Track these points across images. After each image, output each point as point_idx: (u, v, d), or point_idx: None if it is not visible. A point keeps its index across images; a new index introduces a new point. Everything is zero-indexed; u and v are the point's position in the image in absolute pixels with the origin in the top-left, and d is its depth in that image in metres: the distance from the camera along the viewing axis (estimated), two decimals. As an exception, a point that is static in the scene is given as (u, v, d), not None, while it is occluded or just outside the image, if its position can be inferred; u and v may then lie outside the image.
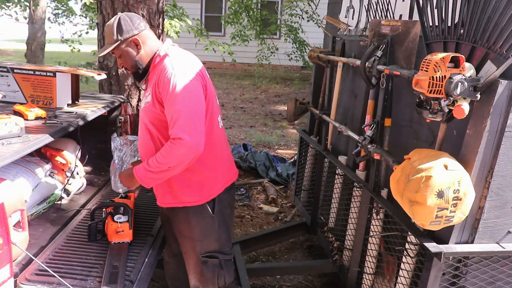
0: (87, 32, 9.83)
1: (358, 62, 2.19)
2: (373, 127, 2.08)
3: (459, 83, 1.42)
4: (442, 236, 1.68)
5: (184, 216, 1.94)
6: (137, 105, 3.34)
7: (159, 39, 3.48)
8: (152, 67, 1.89)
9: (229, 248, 2.04)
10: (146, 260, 1.94)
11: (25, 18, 10.40)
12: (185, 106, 1.70)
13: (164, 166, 1.71)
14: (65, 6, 10.48)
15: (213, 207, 1.93)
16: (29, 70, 2.35)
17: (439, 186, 1.43)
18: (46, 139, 1.88)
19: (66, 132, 2.04)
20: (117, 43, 1.86)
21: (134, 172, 1.80)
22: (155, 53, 1.89)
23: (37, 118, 2.12)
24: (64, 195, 2.40)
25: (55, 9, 10.91)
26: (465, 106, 1.44)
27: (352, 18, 2.73)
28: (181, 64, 1.81)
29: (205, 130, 1.78)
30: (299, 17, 10.30)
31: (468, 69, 1.49)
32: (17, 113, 2.10)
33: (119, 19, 1.87)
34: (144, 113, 1.91)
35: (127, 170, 1.92)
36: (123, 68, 1.95)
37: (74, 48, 9.19)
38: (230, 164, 2.07)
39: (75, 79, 2.49)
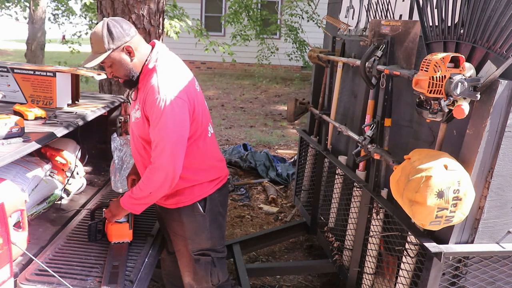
0: (86, 33, 9.82)
1: (358, 62, 2.19)
2: (373, 127, 2.08)
3: (459, 83, 1.42)
4: (442, 236, 1.68)
5: (176, 215, 1.96)
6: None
7: (159, 39, 3.53)
8: (142, 78, 1.83)
9: (221, 246, 2.06)
10: (146, 260, 1.94)
11: (25, 18, 10.41)
12: (168, 133, 1.72)
13: (146, 192, 1.79)
14: (65, 6, 10.48)
15: (204, 205, 1.95)
16: (29, 70, 2.35)
17: (439, 186, 1.43)
18: (46, 139, 1.88)
19: (66, 132, 2.04)
20: (109, 52, 1.74)
21: (121, 202, 1.86)
22: (146, 59, 1.82)
23: (37, 118, 2.12)
24: (64, 195, 2.40)
25: (55, 9, 10.90)
26: (465, 106, 1.44)
27: (352, 18, 2.73)
28: (167, 85, 1.74)
29: (196, 142, 1.87)
30: (299, 17, 10.30)
31: (468, 69, 1.49)
32: (17, 113, 2.09)
33: (108, 25, 1.74)
34: (135, 127, 1.89)
35: (116, 201, 1.94)
36: (113, 77, 1.85)
37: (74, 49, 9.17)
38: (221, 166, 2.07)
39: (75, 79, 2.49)
